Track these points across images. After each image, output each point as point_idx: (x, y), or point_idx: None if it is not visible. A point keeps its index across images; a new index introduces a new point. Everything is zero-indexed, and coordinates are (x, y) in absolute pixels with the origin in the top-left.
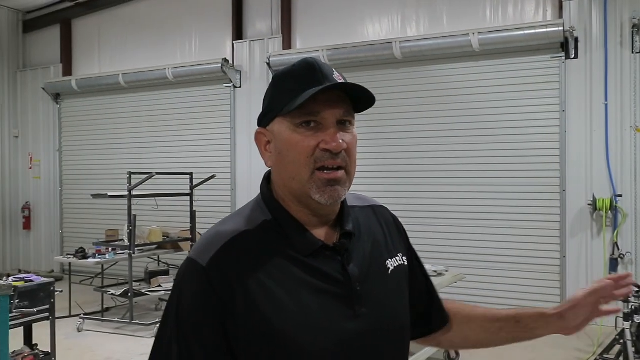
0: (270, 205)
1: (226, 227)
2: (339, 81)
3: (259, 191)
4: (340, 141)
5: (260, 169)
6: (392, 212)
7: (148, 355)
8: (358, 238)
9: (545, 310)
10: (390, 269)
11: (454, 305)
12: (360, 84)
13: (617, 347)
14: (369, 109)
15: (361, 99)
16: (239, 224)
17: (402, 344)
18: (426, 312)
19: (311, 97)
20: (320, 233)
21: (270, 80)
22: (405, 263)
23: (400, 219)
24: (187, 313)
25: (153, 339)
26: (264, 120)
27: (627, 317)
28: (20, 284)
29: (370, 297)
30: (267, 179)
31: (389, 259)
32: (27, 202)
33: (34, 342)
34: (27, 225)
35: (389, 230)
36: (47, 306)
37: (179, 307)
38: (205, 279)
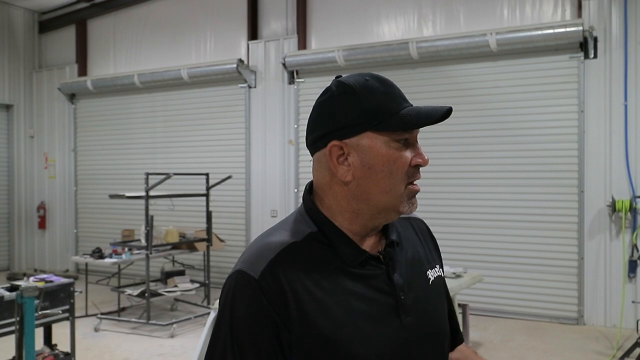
0: (315, 218)
1: (274, 239)
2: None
3: (301, 201)
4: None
5: (274, 169)
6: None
7: (165, 356)
8: (400, 248)
9: None
10: (431, 280)
11: (466, 348)
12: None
13: (638, 350)
14: None
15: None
16: (285, 235)
17: (443, 353)
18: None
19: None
20: (365, 243)
21: (336, 93)
22: (443, 275)
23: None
24: (242, 325)
25: (170, 339)
26: (339, 133)
27: None
28: (41, 284)
29: (414, 306)
30: (309, 191)
31: (429, 270)
32: (42, 202)
33: (53, 342)
34: (42, 224)
35: (425, 242)
36: (67, 306)
37: (232, 320)
38: (258, 291)
